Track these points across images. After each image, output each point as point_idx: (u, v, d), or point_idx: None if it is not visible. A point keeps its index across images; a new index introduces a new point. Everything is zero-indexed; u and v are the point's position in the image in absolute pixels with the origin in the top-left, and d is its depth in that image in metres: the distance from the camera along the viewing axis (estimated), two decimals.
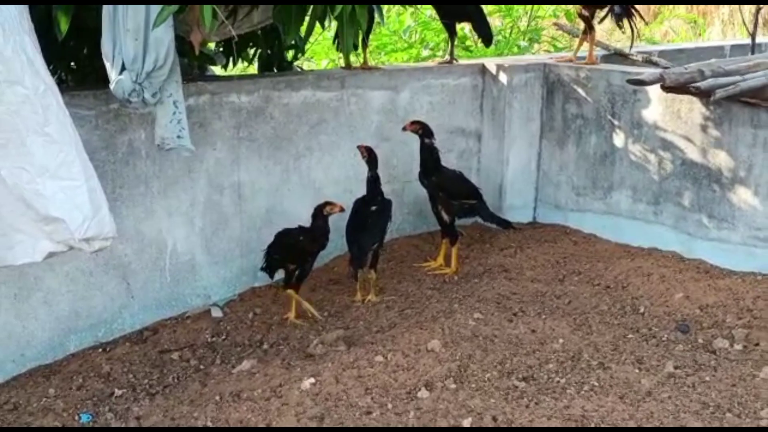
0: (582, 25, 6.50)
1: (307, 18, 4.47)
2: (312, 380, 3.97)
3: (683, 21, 13.91)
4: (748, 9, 8.19)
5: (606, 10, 6.16)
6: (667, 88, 4.99)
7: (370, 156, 5.13)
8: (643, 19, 6.69)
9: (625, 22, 6.20)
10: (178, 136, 4.37)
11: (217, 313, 5.07)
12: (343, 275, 5.48)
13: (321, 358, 4.29)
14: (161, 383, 4.33)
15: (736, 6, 14.00)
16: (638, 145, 5.67)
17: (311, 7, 4.26)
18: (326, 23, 4.85)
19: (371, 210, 5.13)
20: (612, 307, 4.88)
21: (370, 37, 6.17)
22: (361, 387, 3.90)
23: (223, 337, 4.81)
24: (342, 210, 4.86)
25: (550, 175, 6.28)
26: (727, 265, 5.22)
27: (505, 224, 5.82)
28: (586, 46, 6.40)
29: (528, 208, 6.37)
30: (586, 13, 6.20)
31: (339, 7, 4.01)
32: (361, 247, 5.06)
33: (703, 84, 4.78)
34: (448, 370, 4.00)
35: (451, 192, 5.50)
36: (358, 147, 5.20)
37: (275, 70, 5.99)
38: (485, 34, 6.38)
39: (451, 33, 6.32)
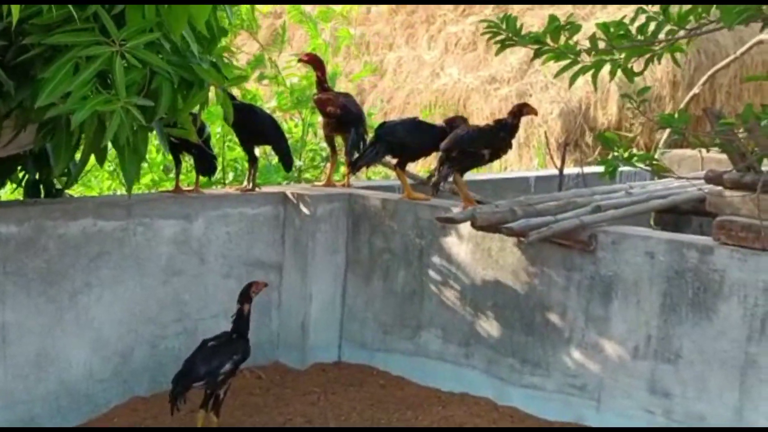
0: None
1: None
2: None
3: None
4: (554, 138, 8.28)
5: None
6: (478, 227, 4.74)
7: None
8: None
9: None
10: None
11: None
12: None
13: None
14: None
15: (532, 129, 14.45)
16: (448, 283, 5.37)
17: (81, 135, 3.68)
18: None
19: (210, 345, 4.68)
20: None
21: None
22: None
23: None
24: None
25: (355, 311, 5.86)
26: (543, 414, 4.91)
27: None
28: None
29: (333, 347, 5.89)
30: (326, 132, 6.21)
31: (111, 133, 3.41)
32: (180, 382, 4.55)
33: (515, 225, 4.56)
34: None
35: None
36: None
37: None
38: (286, 157, 6.07)
39: (252, 159, 5.90)
